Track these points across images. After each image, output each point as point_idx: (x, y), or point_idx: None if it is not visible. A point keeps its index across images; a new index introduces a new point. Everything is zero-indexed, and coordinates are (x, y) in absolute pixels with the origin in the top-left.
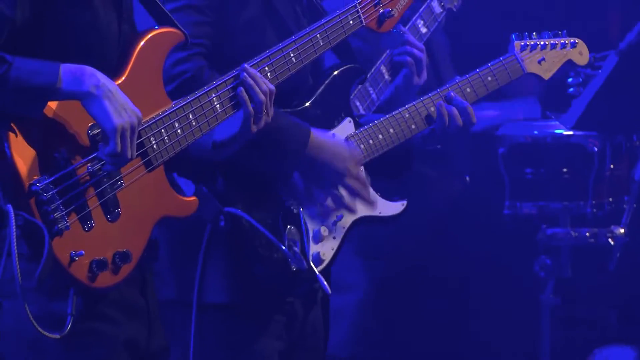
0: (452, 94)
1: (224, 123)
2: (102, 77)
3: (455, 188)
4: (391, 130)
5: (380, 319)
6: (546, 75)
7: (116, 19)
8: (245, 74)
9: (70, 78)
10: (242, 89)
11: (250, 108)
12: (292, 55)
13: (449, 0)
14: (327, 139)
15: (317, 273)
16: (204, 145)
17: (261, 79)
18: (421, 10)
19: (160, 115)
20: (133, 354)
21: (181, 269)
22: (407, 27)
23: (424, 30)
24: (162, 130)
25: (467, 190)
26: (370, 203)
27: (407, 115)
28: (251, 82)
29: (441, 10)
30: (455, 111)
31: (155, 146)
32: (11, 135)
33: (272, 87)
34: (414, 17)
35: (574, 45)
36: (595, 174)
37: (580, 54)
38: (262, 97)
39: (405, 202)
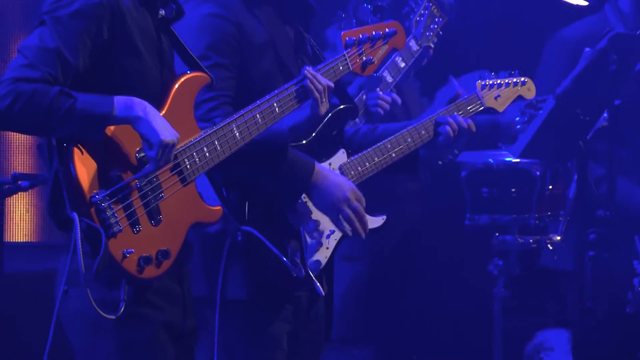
0: (439, 117)
1: (291, 115)
2: (147, 104)
3: (424, 202)
4: (376, 159)
5: (361, 308)
6: (500, 109)
7: (159, 65)
8: (307, 71)
9: (123, 106)
10: (308, 81)
11: (317, 94)
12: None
13: (425, 38)
14: (329, 172)
15: (313, 278)
16: (278, 130)
17: (319, 75)
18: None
19: (192, 141)
20: (171, 333)
21: (209, 272)
22: (387, 64)
23: (402, 64)
24: (194, 153)
25: (435, 205)
26: (364, 224)
27: (389, 146)
28: (312, 77)
29: (417, 47)
30: (459, 118)
31: (188, 166)
32: (76, 157)
33: (331, 82)
34: (394, 55)
35: (524, 83)
36: (537, 193)
37: (529, 90)
38: (320, 86)
39: (385, 217)
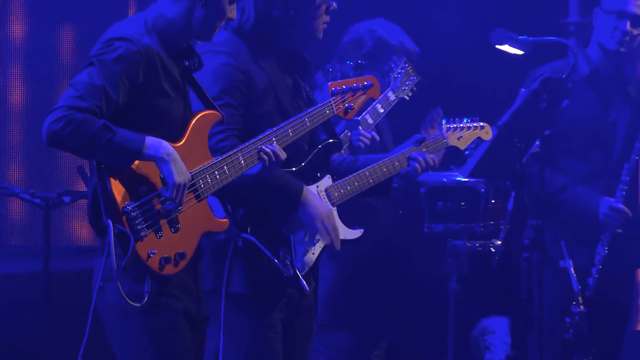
0: (412, 153)
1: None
2: (171, 148)
3: (393, 215)
4: (356, 183)
5: (343, 298)
6: (462, 147)
7: (182, 105)
8: (273, 144)
9: (152, 146)
10: (265, 151)
11: (267, 164)
12: (290, 131)
13: (401, 91)
14: (314, 194)
15: (300, 278)
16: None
17: (279, 150)
18: (380, 98)
19: (205, 165)
20: (188, 320)
21: (216, 270)
22: (369, 109)
23: (381, 110)
24: (207, 175)
25: (401, 217)
26: (337, 238)
27: (367, 174)
28: (269, 150)
29: (394, 98)
30: (427, 156)
31: (202, 185)
32: (111, 175)
33: (284, 156)
34: (374, 103)
35: (482, 127)
36: (482, 206)
37: (487, 133)
38: (274, 161)
39: (362, 230)
